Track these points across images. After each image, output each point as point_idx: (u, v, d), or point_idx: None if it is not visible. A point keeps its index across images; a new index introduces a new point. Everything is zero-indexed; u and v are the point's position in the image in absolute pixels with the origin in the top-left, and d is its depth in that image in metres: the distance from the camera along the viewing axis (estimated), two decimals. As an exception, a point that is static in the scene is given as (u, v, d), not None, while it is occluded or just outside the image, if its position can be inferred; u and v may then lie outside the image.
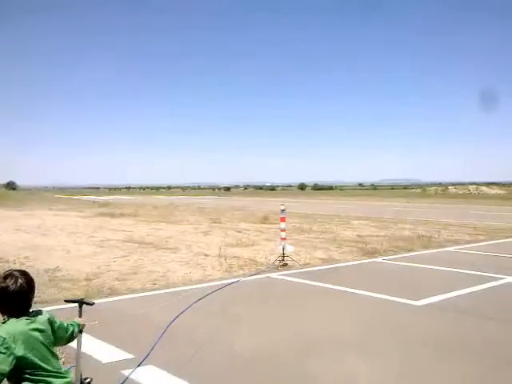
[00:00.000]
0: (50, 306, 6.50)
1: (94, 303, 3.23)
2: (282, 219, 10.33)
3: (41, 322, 2.49)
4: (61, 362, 3.32)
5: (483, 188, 72.72)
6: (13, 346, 2.30)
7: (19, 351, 2.31)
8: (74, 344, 3.10)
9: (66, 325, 2.74)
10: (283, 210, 10.42)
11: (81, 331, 3.12)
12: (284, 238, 10.05)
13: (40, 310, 2.58)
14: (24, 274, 2.54)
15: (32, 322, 2.44)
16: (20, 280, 2.46)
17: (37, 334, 2.43)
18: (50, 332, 2.53)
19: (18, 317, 2.42)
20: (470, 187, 73.75)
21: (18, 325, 2.38)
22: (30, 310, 2.53)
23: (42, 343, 2.44)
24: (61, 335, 2.66)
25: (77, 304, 3.14)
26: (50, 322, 2.57)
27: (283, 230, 10.17)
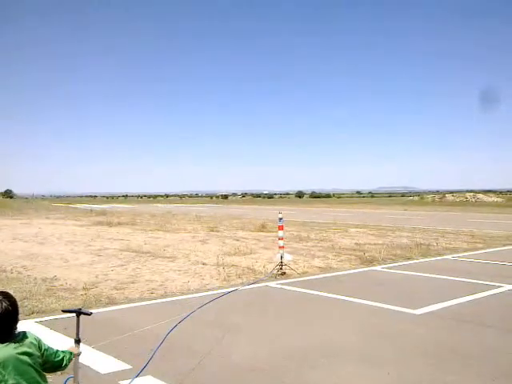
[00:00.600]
0: (47, 315, 6.49)
1: (91, 313, 3.21)
2: (280, 227, 10.33)
3: (28, 344, 2.44)
4: (58, 372, 3.31)
5: (480, 196, 72.74)
6: (3, 372, 2.27)
7: (9, 378, 2.28)
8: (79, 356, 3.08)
9: (55, 350, 2.65)
10: (281, 219, 10.42)
11: (79, 341, 3.11)
12: (282, 247, 10.05)
13: (25, 332, 2.51)
14: (7, 296, 2.46)
15: (20, 346, 2.39)
16: (4, 303, 2.39)
17: (25, 357, 2.38)
18: (37, 354, 2.47)
19: (4, 341, 2.36)
20: (468, 195, 73.72)
21: (6, 350, 2.33)
22: (16, 332, 2.46)
23: (30, 366, 2.40)
24: (49, 359, 2.57)
25: (74, 314, 3.14)
26: (38, 345, 2.51)
27: (281, 239, 10.16)
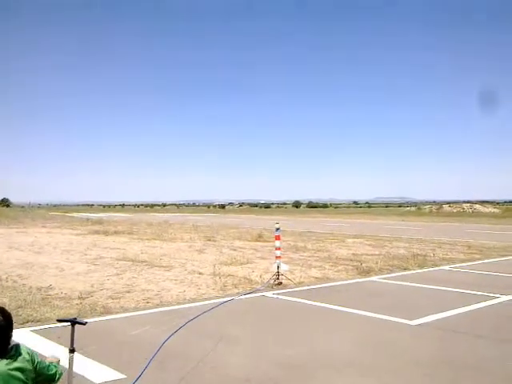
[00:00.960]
0: (42, 324, 6.45)
1: (86, 323, 3.20)
2: (277, 237, 10.32)
3: (21, 359, 2.42)
4: (52, 382, 3.29)
5: (477, 206, 72.97)
6: None
7: None
8: (65, 363, 3.07)
9: (47, 364, 2.63)
10: (278, 229, 10.41)
11: (73, 351, 3.09)
12: (279, 257, 10.02)
13: (18, 346, 2.48)
14: (1, 310, 2.45)
15: (13, 361, 2.37)
16: None
17: (18, 373, 2.36)
18: (30, 368, 2.45)
19: None
20: (465, 205, 73.98)
21: None
22: (9, 347, 2.44)
23: (23, 382, 2.38)
24: (42, 372, 2.55)
25: (69, 323, 3.12)
26: (31, 359, 2.48)
27: (278, 249, 10.14)
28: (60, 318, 3.40)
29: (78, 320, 3.14)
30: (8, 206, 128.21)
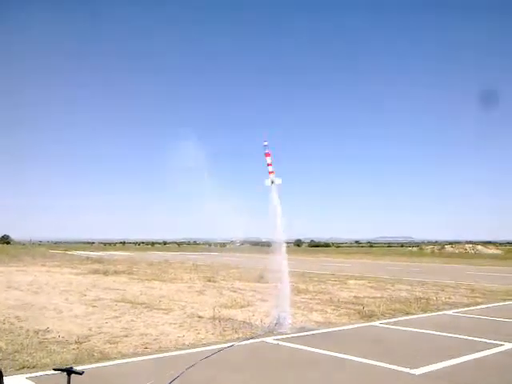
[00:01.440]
0: (38, 371, 6.34)
1: (83, 372, 3.17)
2: (267, 154, 10.26)
3: None
4: None
5: (479, 247, 72.49)
6: None
7: None
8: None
9: None
10: (266, 146, 10.30)
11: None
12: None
13: None
14: None
15: None
16: None
17: None
18: None
19: None
20: (467, 246, 73.52)
21: None
22: None
23: None
24: None
25: (65, 372, 3.10)
26: None
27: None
28: (56, 366, 3.37)
29: (75, 370, 3.11)
30: (8, 243, 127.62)
